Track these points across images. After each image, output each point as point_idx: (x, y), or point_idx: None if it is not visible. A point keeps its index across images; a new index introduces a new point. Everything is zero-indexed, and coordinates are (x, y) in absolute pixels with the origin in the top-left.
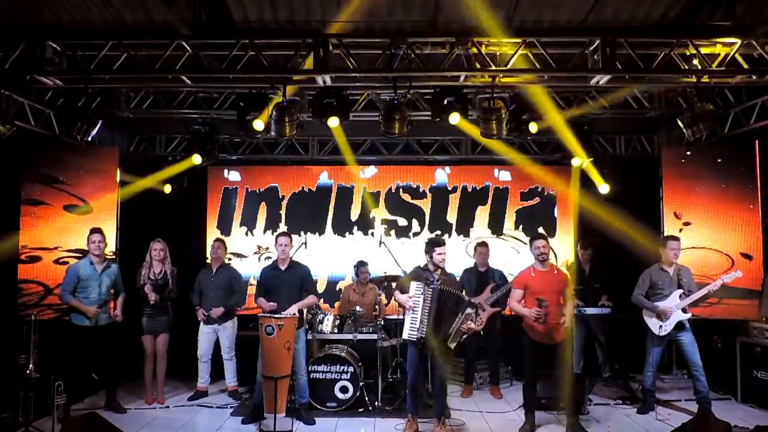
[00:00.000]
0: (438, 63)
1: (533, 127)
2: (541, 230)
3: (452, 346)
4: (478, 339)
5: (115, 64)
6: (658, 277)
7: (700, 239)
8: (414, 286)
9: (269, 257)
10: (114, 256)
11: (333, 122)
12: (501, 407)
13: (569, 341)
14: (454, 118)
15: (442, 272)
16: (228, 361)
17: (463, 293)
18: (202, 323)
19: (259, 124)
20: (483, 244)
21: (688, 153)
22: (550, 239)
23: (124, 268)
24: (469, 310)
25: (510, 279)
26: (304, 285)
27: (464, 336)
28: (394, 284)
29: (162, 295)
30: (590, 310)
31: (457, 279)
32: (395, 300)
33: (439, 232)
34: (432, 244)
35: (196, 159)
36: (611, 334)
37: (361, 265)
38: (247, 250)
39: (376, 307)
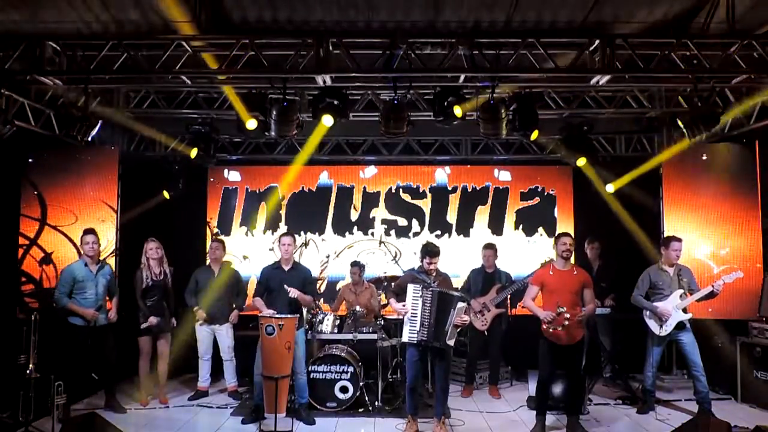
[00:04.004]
0: (438, 63)
1: (535, 134)
2: (541, 230)
3: (451, 342)
4: (481, 339)
5: (114, 64)
6: (658, 277)
7: (700, 240)
8: (412, 289)
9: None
10: (115, 256)
11: (328, 121)
12: (501, 407)
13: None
14: (458, 111)
15: (436, 273)
16: (228, 361)
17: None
18: (197, 324)
19: (252, 123)
20: (489, 246)
21: (688, 153)
22: (550, 239)
23: (124, 268)
24: (460, 305)
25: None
26: (305, 287)
27: (459, 329)
28: (393, 284)
29: (162, 296)
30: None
31: (450, 278)
32: (393, 307)
33: (438, 233)
34: (424, 253)
35: (194, 152)
36: (613, 334)
37: (353, 265)
38: (247, 250)
39: (375, 307)
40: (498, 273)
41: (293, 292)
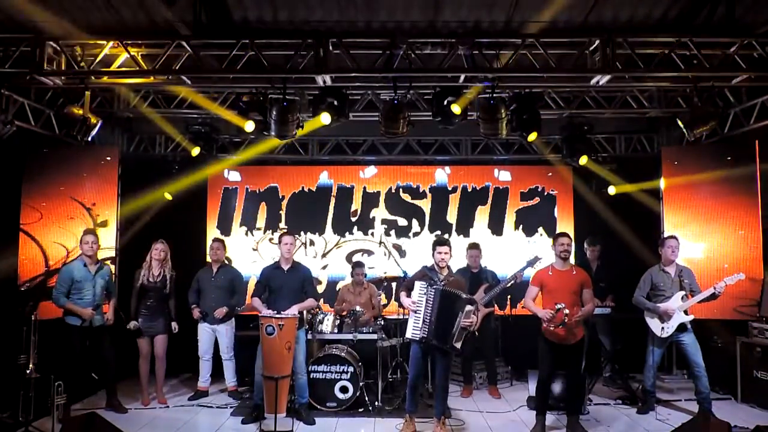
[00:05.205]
0: (438, 63)
1: (532, 136)
2: (541, 231)
3: (458, 345)
4: (473, 339)
5: (115, 64)
6: (660, 278)
7: (700, 241)
8: (418, 286)
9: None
10: (114, 256)
11: (325, 119)
12: (501, 407)
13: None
14: (456, 109)
15: (448, 272)
16: (227, 361)
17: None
18: (200, 322)
19: (250, 126)
20: (474, 246)
21: (688, 153)
22: (549, 239)
23: (124, 268)
24: (468, 307)
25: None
26: (305, 287)
27: (467, 333)
28: (394, 284)
29: (161, 298)
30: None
31: (462, 279)
32: (401, 302)
33: (439, 233)
34: (434, 243)
35: (195, 151)
36: (613, 334)
37: (356, 266)
38: (244, 250)
39: (375, 307)
40: (483, 272)
41: (293, 309)
